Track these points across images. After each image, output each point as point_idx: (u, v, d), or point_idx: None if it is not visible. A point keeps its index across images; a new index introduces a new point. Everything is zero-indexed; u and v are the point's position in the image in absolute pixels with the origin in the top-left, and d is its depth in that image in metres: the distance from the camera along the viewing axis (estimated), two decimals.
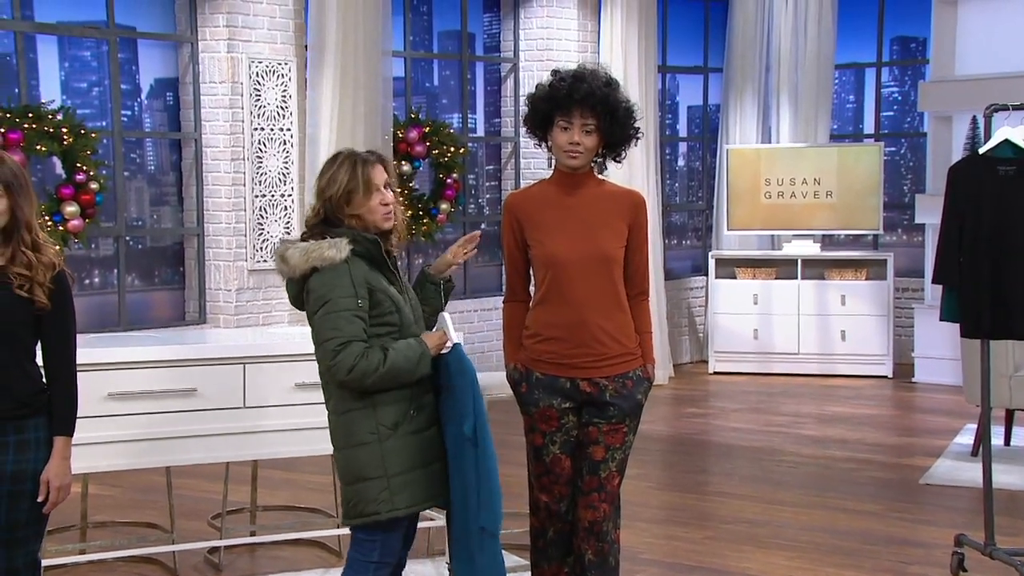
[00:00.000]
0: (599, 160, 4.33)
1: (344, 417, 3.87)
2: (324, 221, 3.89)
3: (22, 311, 3.62)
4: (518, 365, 4.37)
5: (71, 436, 3.73)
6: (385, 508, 3.83)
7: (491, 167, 11.14)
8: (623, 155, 4.33)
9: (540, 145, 4.37)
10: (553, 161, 4.34)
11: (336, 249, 3.80)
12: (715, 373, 11.24)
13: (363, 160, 3.90)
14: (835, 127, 12.39)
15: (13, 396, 3.64)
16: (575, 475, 4.34)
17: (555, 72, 4.27)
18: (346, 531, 4.36)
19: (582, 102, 4.16)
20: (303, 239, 3.90)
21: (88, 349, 5.15)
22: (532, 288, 4.43)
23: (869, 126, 12.44)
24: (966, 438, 8.17)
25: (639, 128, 4.31)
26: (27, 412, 3.65)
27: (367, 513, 3.84)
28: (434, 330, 4.00)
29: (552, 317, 4.27)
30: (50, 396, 3.70)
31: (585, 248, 4.24)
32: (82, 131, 7.76)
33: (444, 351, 3.92)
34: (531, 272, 4.41)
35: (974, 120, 9.82)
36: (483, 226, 10.92)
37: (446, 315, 3.97)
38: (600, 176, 4.39)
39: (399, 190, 4.10)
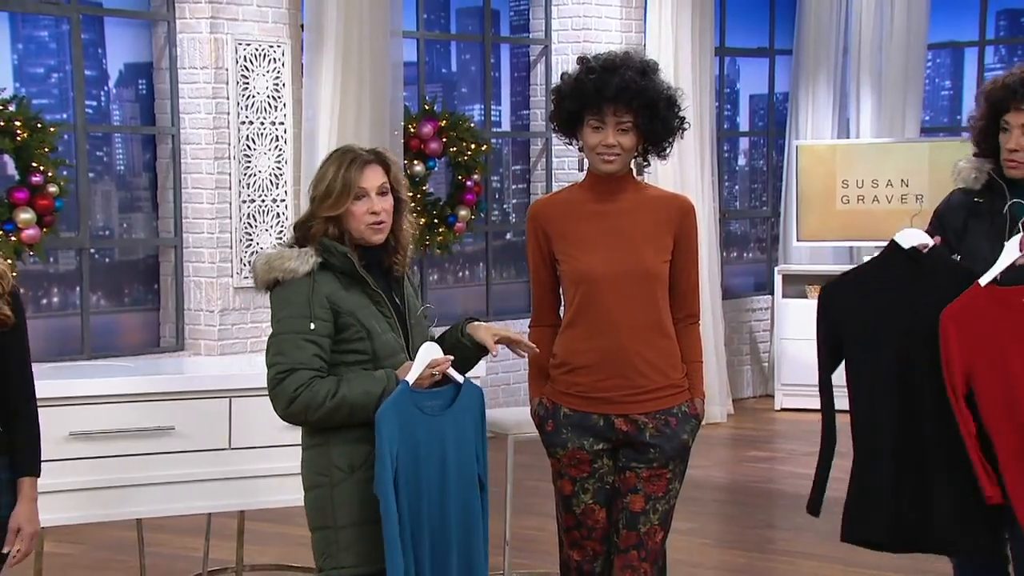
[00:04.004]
0: (640, 160, 4.35)
1: (304, 454, 3.97)
2: (306, 225, 3.97)
3: None
4: (544, 400, 4.39)
5: (39, 476, 3.79)
6: (329, 564, 3.90)
7: (518, 167, 11.18)
8: (668, 151, 4.36)
9: (571, 144, 4.40)
10: (585, 163, 4.37)
11: (301, 260, 3.88)
12: (782, 410, 11.23)
13: (353, 158, 3.94)
14: (927, 119, 12.38)
15: None
16: (611, 529, 4.35)
17: (582, 60, 4.29)
18: None
19: (615, 98, 4.18)
20: (290, 245, 3.97)
21: (46, 381, 5.17)
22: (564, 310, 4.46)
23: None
24: None
25: (685, 118, 4.33)
26: None
27: (320, 567, 3.93)
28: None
29: (583, 343, 4.29)
30: (12, 432, 3.74)
31: (623, 263, 4.25)
32: (39, 125, 7.82)
33: (435, 380, 3.89)
34: (561, 292, 4.44)
35: None
36: (509, 236, 10.96)
37: (427, 346, 3.90)
38: (640, 178, 4.42)
39: (410, 195, 4.13)
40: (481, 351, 4.09)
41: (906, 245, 4.07)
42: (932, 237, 4.11)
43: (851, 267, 4.37)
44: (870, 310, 4.15)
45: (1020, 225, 4.08)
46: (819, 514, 4.37)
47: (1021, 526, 3.98)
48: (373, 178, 3.93)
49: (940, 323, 3.98)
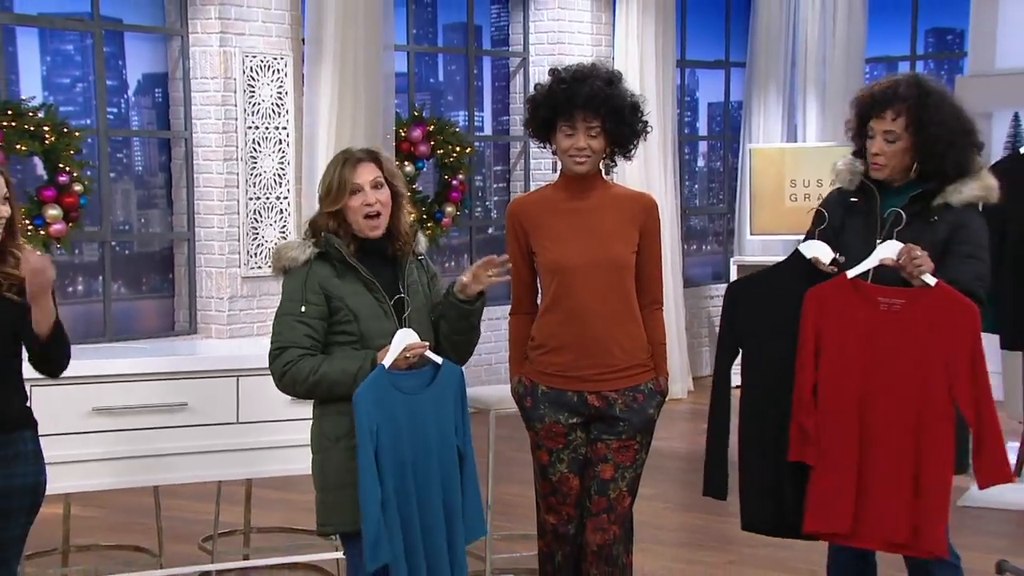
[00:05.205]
0: (607, 161, 4.34)
1: (311, 423, 4.02)
2: (316, 221, 4.01)
3: (10, 315, 3.65)
4: (523, 379, 4.38)
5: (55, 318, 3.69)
6: (320, 520, 3.95)
7: (499, 168, 11.16)
8: (633, 152, 4.35)
9: (544, 147, 4.39)
10: (559, 164, 4.36)
11: (300, 250, 3.95)
12: (737, 387, 11.20)
13: (347, 158, 3.96)
14: None
15: (6, 407, 3.68)
16: (583, 495, 4.34)
17: (553, 72, 4.29)
18: (342, 555, 4.37)
19: (585, 105, 4.18)
20: (304, 238, 4.03)
21: (72, 361, 5.16)
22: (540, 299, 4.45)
23: None
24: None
25: (647, 122, 4.32)
26: (15, 426, 3.71)
27: (317, 523, 3.98)
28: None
29: (559, 327, 4.28)
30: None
31: (594, 254, 4.25)
32: (65, 130, 7.79)
33: (412, 363, 3.85)
34: (537, 281, 4.42)
35: (1016, 117, 9.81)
36: (491, 230, 10.94)
37: (402, 332, 3.86)
38: (608, 177, 4.42)
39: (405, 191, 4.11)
40: (470, 300, 3.98)
41: (808, 255, 4.04)
42: (835, 252, 4.04)
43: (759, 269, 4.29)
44: (771, 312, 4.06)
45: (896, 233, 4.02)
46: (726, 496, 4.24)
47: (807, 493, 3.92)
48: (366, 173, 3.93)
49: (804, 299, 3.93)
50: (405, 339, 3.84)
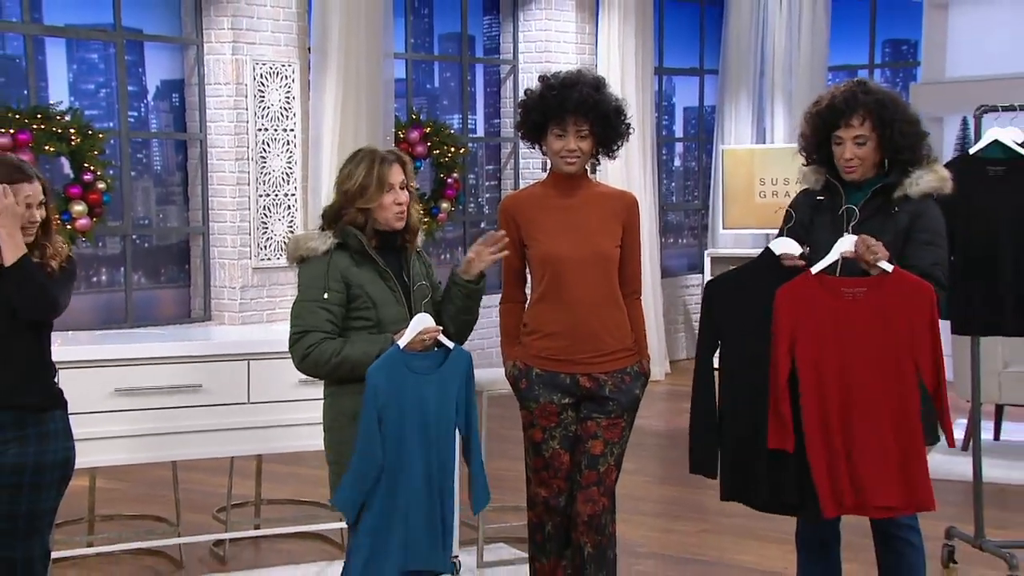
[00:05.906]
0: (592, 161, 4.34)
1: (324, 400, 3.99)
2: (337, 214, 3.96)
3: None
4: (517, 363, 4.37)
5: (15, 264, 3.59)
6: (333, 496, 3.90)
7: (491, 167, 11.15)
8: (617, 152, 4.35)
9: (534, 148, 4.39)
10: (548, 164, 4.36)
11: (320, 241, 3.92)
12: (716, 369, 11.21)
13: (381, 158, 3.95)
14: None
15: (39, 389, 3.68)
16: (573, 469, 4.34)
17: (543, 78, 4.27)
18: (346, 524, 4.37)
19: (575, 110, 4.17)
20: (321, 229, 4.00)
21: (95, 345, 5.17)
22: (528, 289, 4.45)
23: None
24: (957, 432, 8.15)
25: (630, 124, 4.32)
26: (46, 406, 3.69)
27: (331, 497, 3.93)
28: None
29: (552, 314, 4.28)
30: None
31: (583, 248, 4.25)
32: (90, 132, 7.77)
33: (426, 344, 3.83)
34: (527, 273, 4.42)
35: (964, 121, 9.83)
36: (483, 224, 10.94)
37: (420, 316, 3.86)
38: (592, 176, 4.42)
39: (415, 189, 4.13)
40: (473, 280, 4.04)
41: (777, 252, 4.04)
42: (802, 246, 4.04)
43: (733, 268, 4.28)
44: (745, 306, 4.03)
45: (850, 228, 4.04)
46: (716, 474, 4.20)
47: (814, 481, 3.88)
48: (397, 174, 3.95)
49: (775, 297, 3.91)
50: (422, 323, 3.83)
